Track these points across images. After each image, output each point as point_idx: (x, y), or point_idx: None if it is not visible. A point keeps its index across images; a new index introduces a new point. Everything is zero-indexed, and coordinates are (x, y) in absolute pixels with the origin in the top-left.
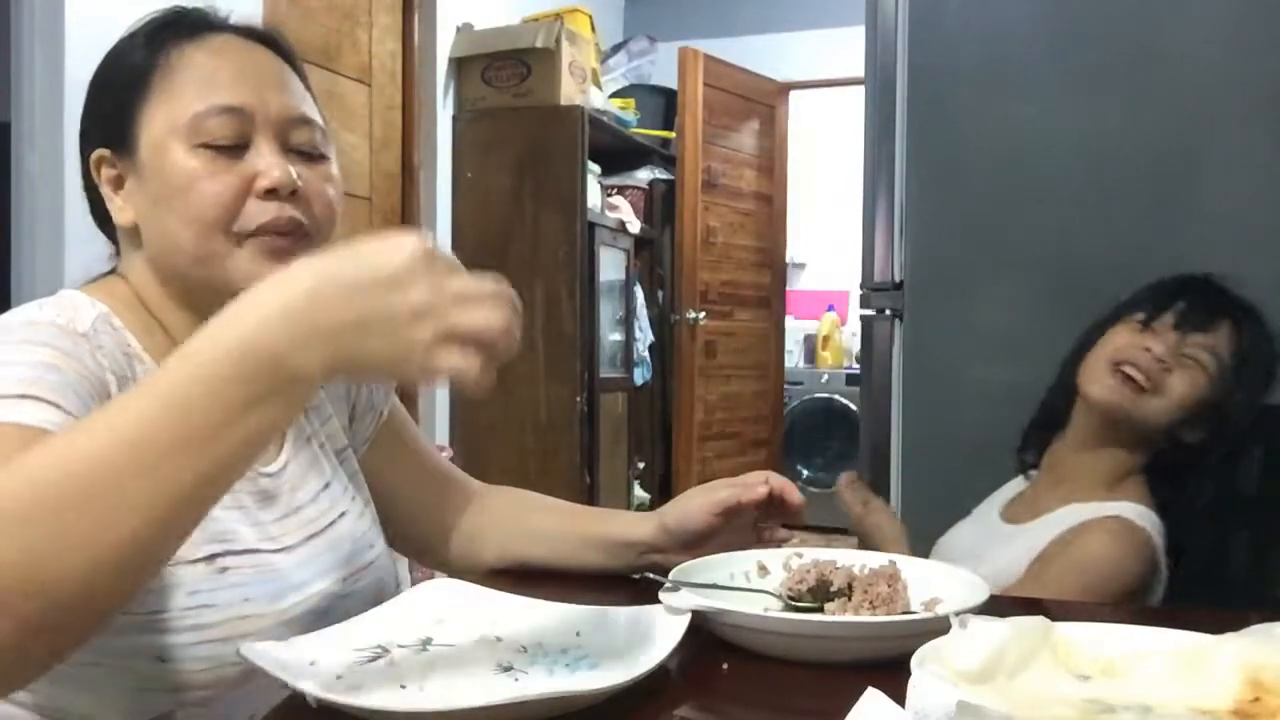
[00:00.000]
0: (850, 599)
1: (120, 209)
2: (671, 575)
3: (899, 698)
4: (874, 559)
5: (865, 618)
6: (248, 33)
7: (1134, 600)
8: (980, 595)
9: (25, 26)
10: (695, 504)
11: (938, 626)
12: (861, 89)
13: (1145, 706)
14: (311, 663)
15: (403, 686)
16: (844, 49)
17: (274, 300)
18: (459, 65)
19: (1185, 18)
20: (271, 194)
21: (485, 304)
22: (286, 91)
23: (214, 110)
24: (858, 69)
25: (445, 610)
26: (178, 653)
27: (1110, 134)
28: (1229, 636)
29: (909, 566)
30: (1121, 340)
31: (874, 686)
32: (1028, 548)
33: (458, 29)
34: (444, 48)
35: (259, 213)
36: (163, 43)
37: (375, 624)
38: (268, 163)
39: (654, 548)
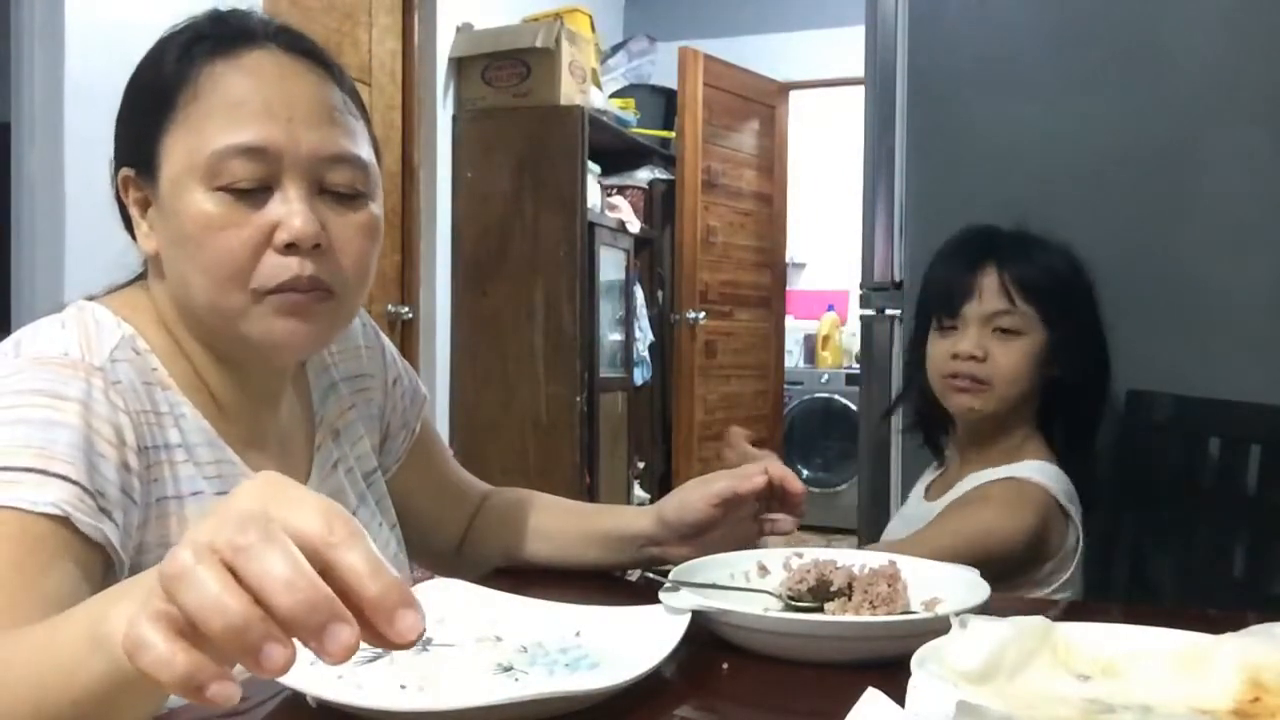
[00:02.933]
0: (850, 599)
1: (145, 235)
2: (671, 575)
3: (899, 698)
4: (874, 559)
5: (865, 618)
6: (290, 44)
7: (1028, 552)
8: (980, 595)
9: (25, 26)
10: (693, 495)
11: (938, 626)
12: (861, 89)
13: (1145, 706)
14: (311, 663)
15: (403, 686)
16: (844, 49)
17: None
18: (459, 65)
19: (1185, 17)
20: (291, 248)
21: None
22: (324, 124)
23: (235, 150)
24: (858, 69)
25: (445, 610)
26: None
27: (1110, 133)
28: (1229, 636)
29: (909, 566)
30: (937, 353)
31: (874, 686)
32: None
33: (458, 29)
34: (444, 48)
35: (278, 269)
36: (194, 58)
37: None
38: (289, 211)
39: (653, 540)
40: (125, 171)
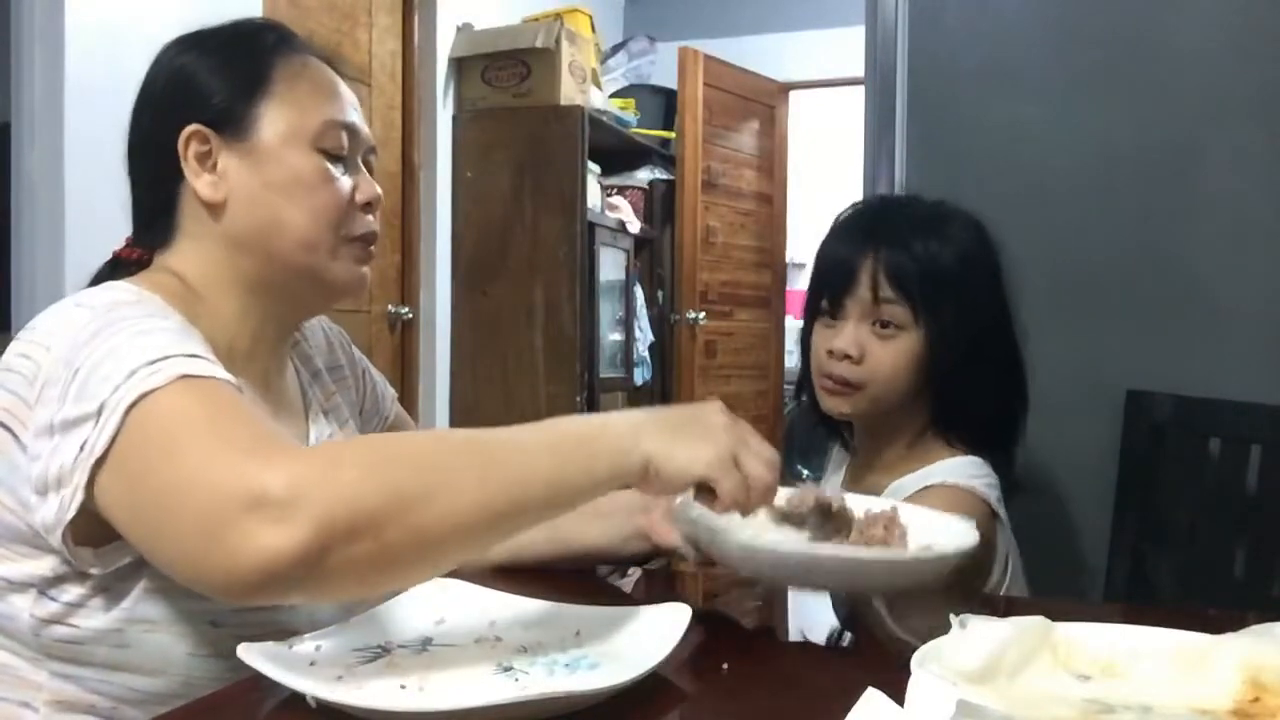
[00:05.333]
0: (847, 540)
1: (211, 183)
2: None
3: (899, 698)
4: (876, 504)
5: (851, 549)
6: (328, 60)
7: (981, 562)
8: (970, 540)
9: (25, 26)
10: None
11: (921, 567)
12: (861, 89)
13: (1145, 706)
14: (311, 663)
15: (403, 686)
16: (844, 49)
17: (621, 415)
18: (459, 65)
19: (1185, 16)
20: (368, 207)
21: (766, 458)
22: (365, 123)
23: (337, 124)
24: (858, 69)
25: (445, 610)
26: (230, 617)
27: (1110, 133)
28: (1229, 636)
29: (908, 512)
30: (816, 347)
31: (874, 686)
32: None
33: (458, 29)
34: (444, 48)
35: (362, 223)
36: (281, 50)
37: (375, 624)
38: (365, 179)
39: (642, 503)
40: (196, 128)
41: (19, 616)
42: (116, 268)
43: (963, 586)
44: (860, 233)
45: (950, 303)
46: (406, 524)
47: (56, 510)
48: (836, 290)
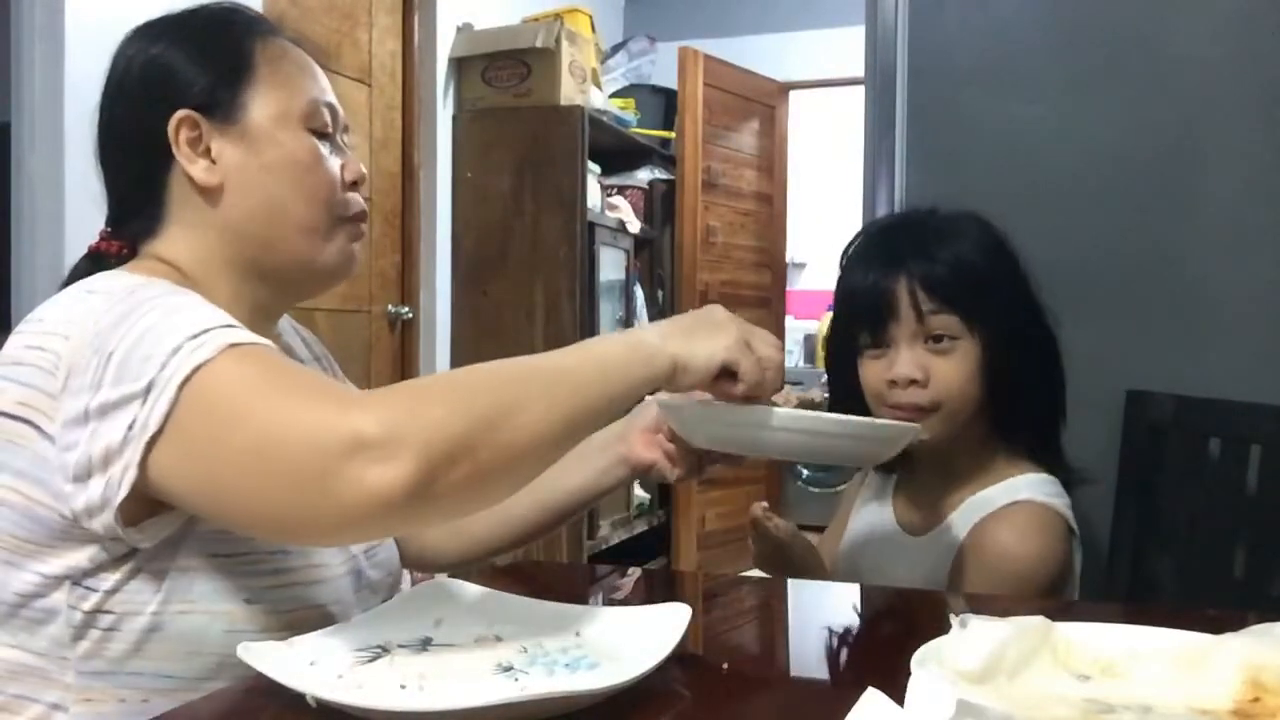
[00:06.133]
0: None
1: (206, 169)
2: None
3: (899, 698)
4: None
5: (836, 415)
6: (296, 41)
7: (1065, 578)
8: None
9: (25, 26)
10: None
11: (902, 434)
12: (861, 89)
13: (1145, 706)
14: (311, 663)
15: (403, 686)
16: (844, 49)
17: (643, 329)
18: (459, 65)
19: (1185, 16)
20: (355, 186)
21: (773, 341)
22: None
23: (322, 102)
24: (858, 69)
25: (445, 610)
26: (264, 595)
27: (1110, 133)
28: (1229, 636)
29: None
30: (871, 379)
31: (874, 686)
32: (932, 559)
33: (458, 29)
34: (444, 48)
35: (353, 202)
36: (261, 34)
37: (375, 624)
38: (351, 158)
39: (618, 434)
40: (186, 113)
41: (56, 610)
42: (97, 262)
43: (1045, 597)
44: (882, 256)
45: (993, 301)
46: (496, 444)
47: (103, 490)
48: (877, 319)
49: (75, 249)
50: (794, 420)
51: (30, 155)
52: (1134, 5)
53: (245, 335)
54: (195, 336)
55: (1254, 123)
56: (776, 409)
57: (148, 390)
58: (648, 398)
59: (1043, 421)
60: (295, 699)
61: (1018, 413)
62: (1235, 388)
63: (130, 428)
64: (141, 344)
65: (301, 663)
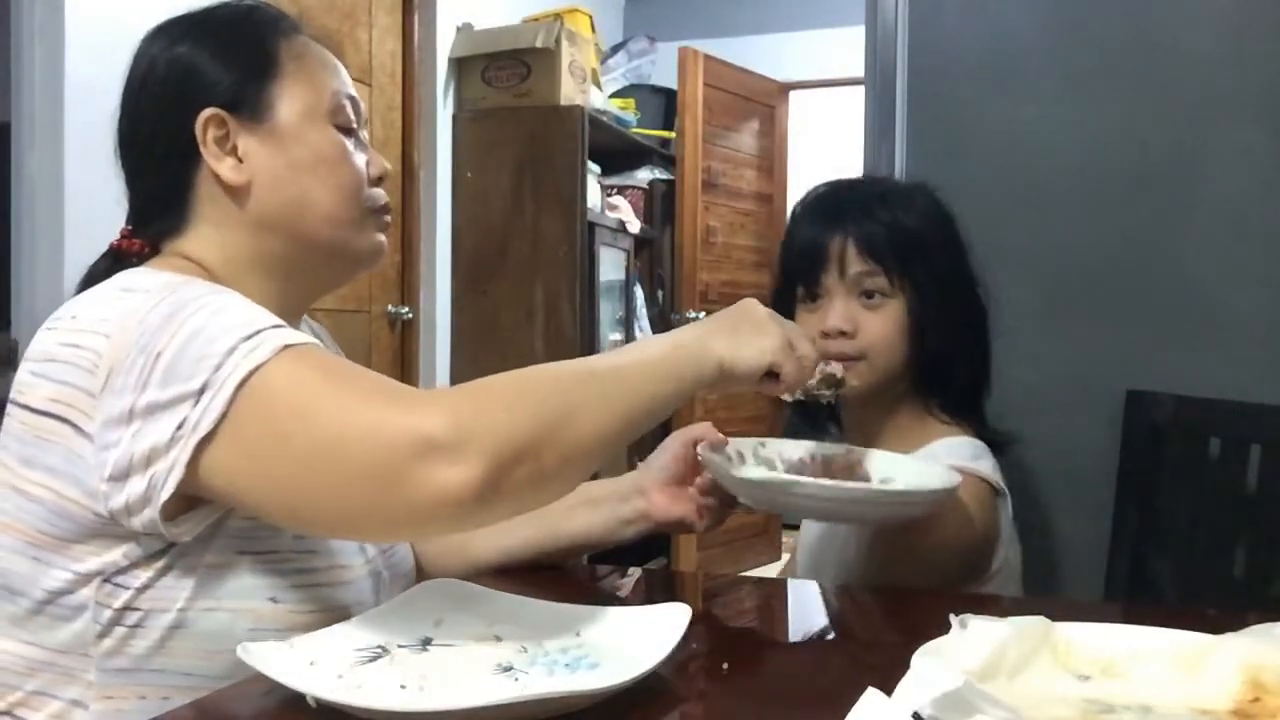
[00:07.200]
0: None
1: (234, 168)
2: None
3: None
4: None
5: (833, 481)
6: (319, 38)
7: (989, 540)
8: (945, 481)
9: (25, 26)
10: (670, 441)
11: (899, 499)
12: (861, 89)
13: (1145, 706)
14: (311, 663)
15: (403, 686)
16: (844, 49)
17: (685, 331)
18: (459, 65)
19: (1185, 17)
20: (380, 181)
21: (809, 338)
22: None
23: (347, 97)
24: (858, 69)
25: (445, 610)
26: (289, 593)
27: (1110, 133)
28: (1229, 636)
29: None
30: (805, 329)
31: (874, 686)
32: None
33: (458, 29)
34: (444, 48)
35: (379, 195)
36: (284, 31)
37: (375, 624)
38: (374, 154)
39: (637, 487)
40: (214, 112)
41: (83, 607)
42: (117, 260)
43: (970, 565)
44: (826, 214)
45: (921, 265)
46: (558, 446)
47: (145, 489)
48: (813, 272)
49: (75, 249)
50: (844, 493)
51: (30, 155)
52: (1134, 5)
53: (297, 335)
54: (249, 338)
55: (1254, 123)
56: (825, 482)
57: (201, 391)
58: (698, 450)
59: (966, 389)
60: (295, 699)
61: (940, 377)
62: (1235, 388)
63: (179, 428)
64: (192, 345)
65: (301, 663)
